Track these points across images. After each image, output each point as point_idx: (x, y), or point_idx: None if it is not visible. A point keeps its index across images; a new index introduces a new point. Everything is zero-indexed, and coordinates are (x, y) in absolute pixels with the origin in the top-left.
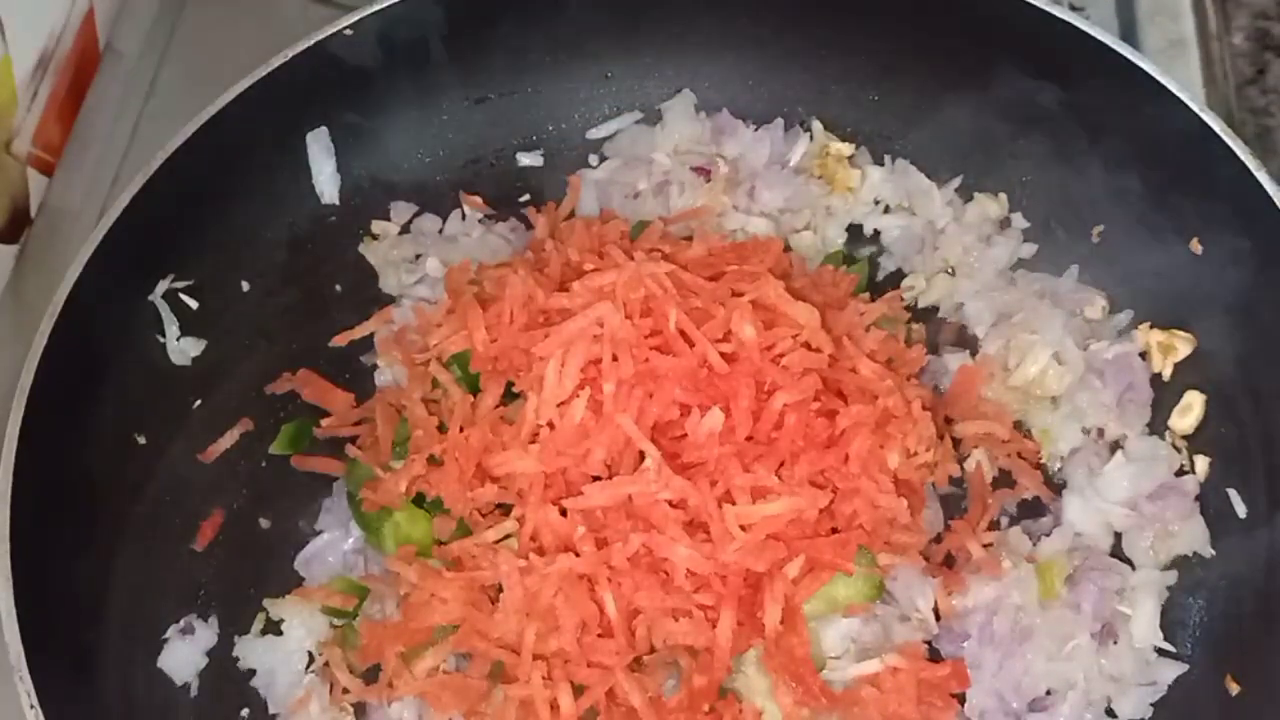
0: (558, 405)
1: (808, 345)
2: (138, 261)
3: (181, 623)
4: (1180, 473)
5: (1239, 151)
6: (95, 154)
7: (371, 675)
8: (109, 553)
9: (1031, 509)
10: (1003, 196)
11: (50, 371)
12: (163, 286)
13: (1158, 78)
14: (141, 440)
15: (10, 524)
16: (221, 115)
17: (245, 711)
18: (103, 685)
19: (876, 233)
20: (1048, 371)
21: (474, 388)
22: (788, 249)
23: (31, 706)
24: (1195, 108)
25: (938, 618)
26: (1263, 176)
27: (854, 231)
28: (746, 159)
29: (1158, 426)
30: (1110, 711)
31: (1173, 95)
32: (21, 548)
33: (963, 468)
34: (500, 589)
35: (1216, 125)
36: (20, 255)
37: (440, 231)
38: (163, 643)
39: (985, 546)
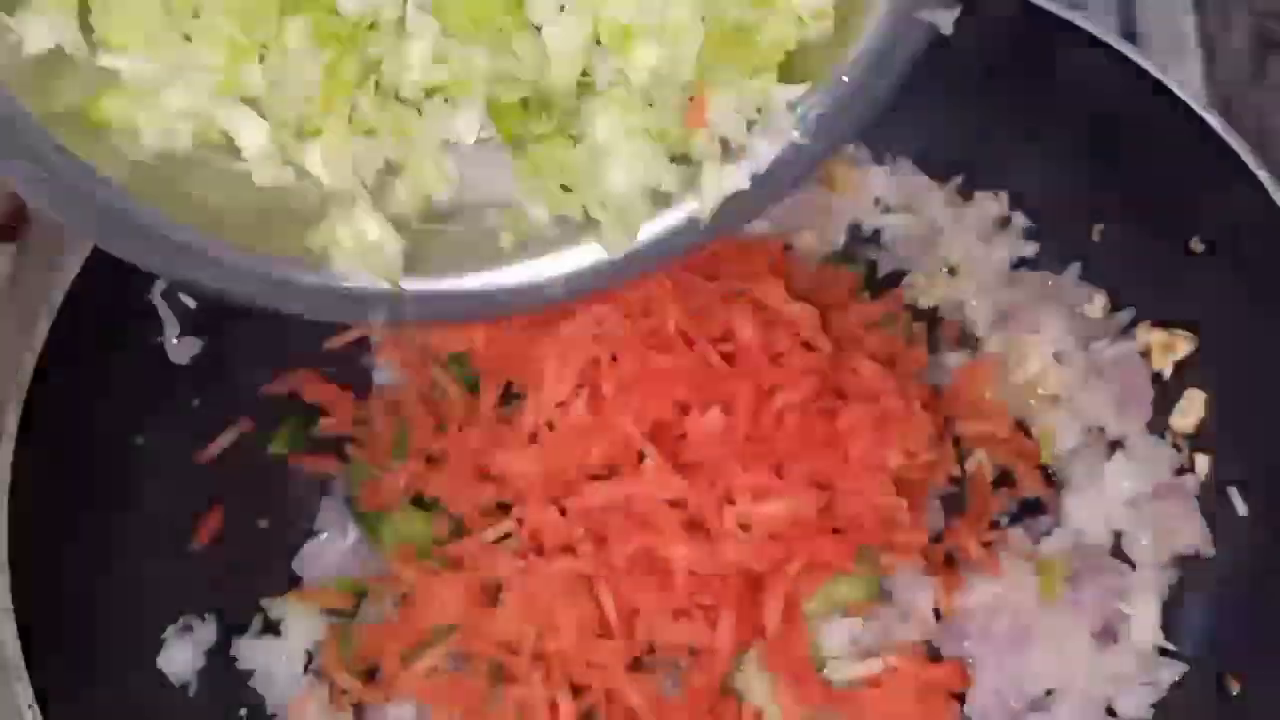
0: (557, 405)
1: (808, 345)
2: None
3: (180, 622)
4: (1181, 472)
5: (1239, 150)
6: None
7: (372, 675)
8: (107, 552)
9: (1031, 509)
10: (1003, 195)
11: (49, 370)
12: (161, 285)
13: (1158, 76)
14: (140, 440)
15: (8, 523)
16: None
17: (244, 711)
18: (101, 685)
19: (876, 233)
20: (1048, 371)
21: (474, 388)
22: (788, 248)
23: (30, 706)
24: (1196, 107)
25: (938, 618)
26: (1263, 175)
27: (854, 231)
28: None
29: (1158, 425)
30: (1111, 711)
31: (1173, 94)
32: (19, 547)
33: (963, 468)
34: (500, 589)
35: (1217, 124)
36: (18, 253)
37: None
38: (161, 642)
39: (985, 546)
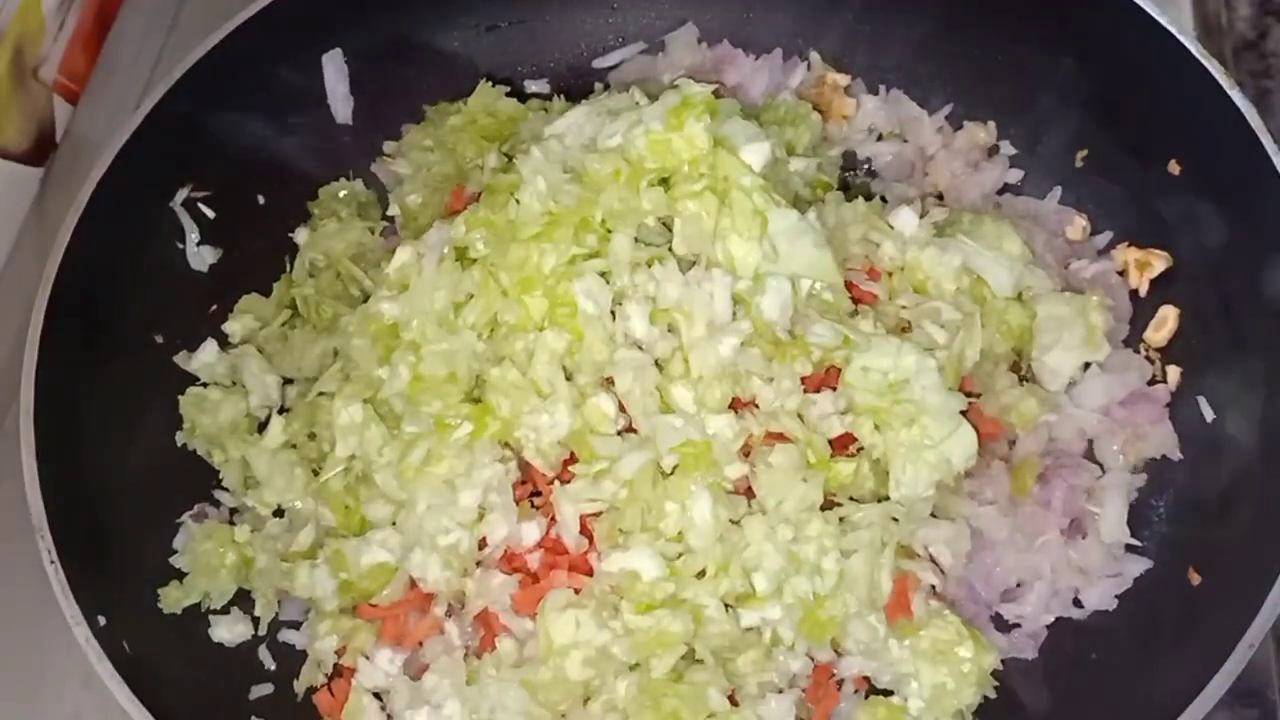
0: None
1: None
2: (159, 167)
3: (195, 509)
4: (1153, 382)
5: (1214, 73)
6: (119, 84)
7: None
8: (127, 440)
9: None
10: (991, 124)
11: (74, 266)
12: (182, 194)
13: (1138, 2)
14: (159, 339)
15: (34, 411)
16: (241, 31)
17: None
18: (119, 570)
19: (869, 160)
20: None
21: None
22: None
23: (51, 563)
24: (1174, 30)
25: None
26: (1236, 95)
27: (848, 158)
28: (746, 88)
29: (1133, 340)
30: (1078, 602)
31: (1155, 22)
32: (45, 435)
33: None
34: None
35: (1194, 48)
36: (45, 178)
37: None
38: (177, 526)
39: None
